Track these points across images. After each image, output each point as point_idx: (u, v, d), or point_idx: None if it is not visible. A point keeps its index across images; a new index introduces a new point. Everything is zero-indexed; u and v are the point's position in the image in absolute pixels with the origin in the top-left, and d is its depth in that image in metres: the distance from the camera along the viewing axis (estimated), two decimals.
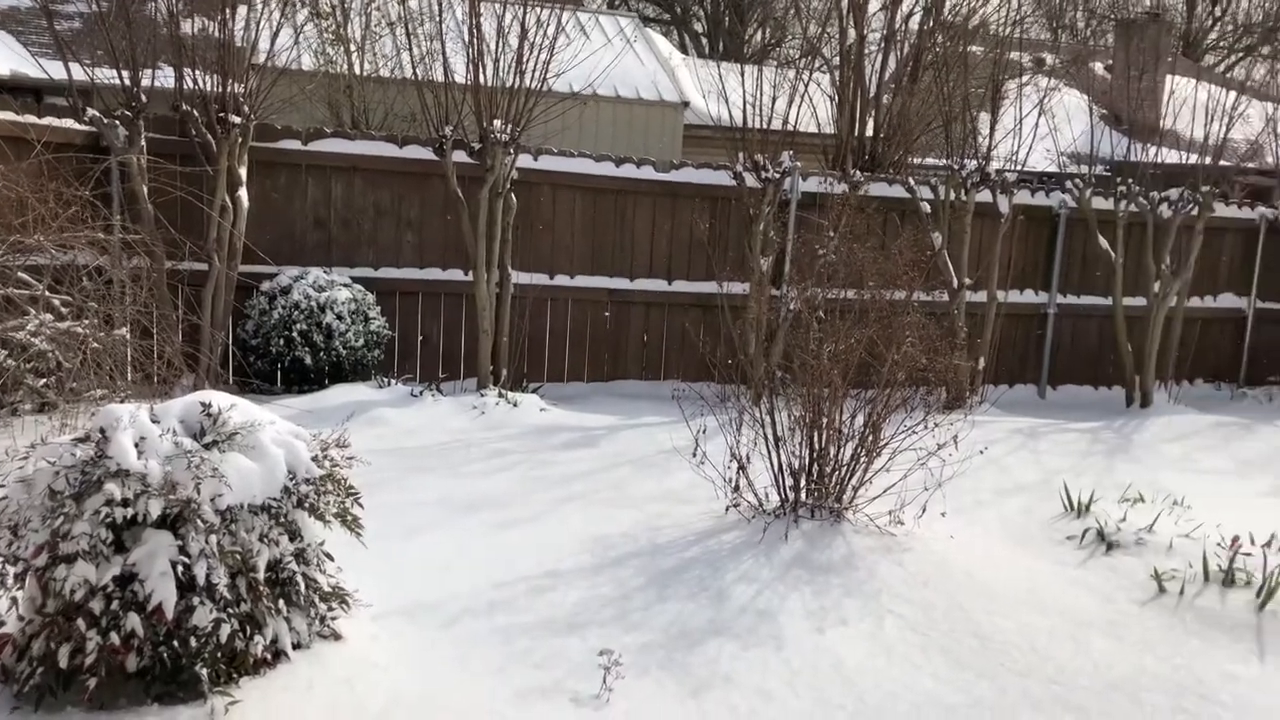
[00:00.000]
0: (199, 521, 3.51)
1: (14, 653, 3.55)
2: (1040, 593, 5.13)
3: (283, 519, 3.84)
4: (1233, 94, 10.87)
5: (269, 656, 3.78)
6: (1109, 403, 10.91)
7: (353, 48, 12.19)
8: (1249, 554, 5.38)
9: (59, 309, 6.50)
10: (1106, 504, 6.30)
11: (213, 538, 3.54)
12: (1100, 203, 10.72)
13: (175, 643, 3.51)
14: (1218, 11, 33.06)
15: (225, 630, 3.57)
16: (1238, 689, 4.32)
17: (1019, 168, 10.39)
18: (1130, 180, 10.56)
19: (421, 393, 8.24)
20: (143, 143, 7.69)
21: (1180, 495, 6.63)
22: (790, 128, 9.94)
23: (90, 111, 7.59)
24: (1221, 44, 33.14)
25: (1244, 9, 32.08)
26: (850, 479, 5.77)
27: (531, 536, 5.46)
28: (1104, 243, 10.54)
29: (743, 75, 9.76)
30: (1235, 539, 5.43)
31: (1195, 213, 10.57)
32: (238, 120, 7.98)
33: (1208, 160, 10.63)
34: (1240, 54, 30.89)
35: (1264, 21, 28.71)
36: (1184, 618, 4.96)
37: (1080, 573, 5.45)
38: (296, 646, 3.89)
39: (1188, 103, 11.01)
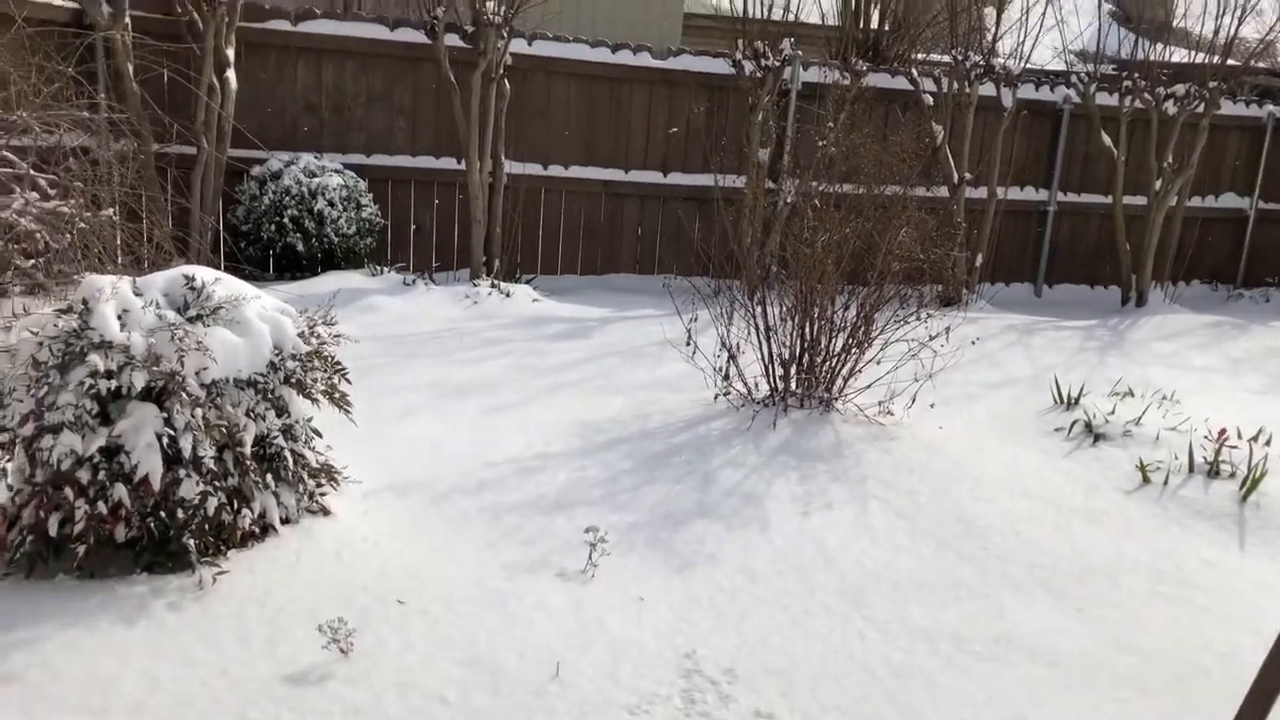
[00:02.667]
0: (184, 394, 3.51)
1: (4, 522, 3.58)
2: (1025, 481, 5.18)
3: (269, 395, 3.84)
4: None
5: (257, 530, 3.82)
6: (1105, 301, 10.88)
7: None
8: (1235, 447, 5.41)
9: (45, 189, 6.40)
10: (1096, 398, 6.32)
11: (198, 411, 3.54)
12: (1104, 99, 10.53)
13: (163, 514, 3.54)
14: None
15: (212, 503, 3.59)
16: (1215, 575, 4.38)
17: (1024, 62, 10.18)
18: (1136, 75, 10.35)
19: (414, 281, 8.19)
20: (127, 20, 7.48)
21: (1170, 391, 6.65)
22: (793, 17, 9.71)
23: None
24: None
25: None
26: (840, 369, 5.78)
27: (522, 421, 5.48)
28: (1107, 140, 10.38)
29: None
30: (1222, 432, 5.46)
31: (1201, 110, 10.38)
32: None
33: (1215, 58, 10.40)
34: None
35: None
36: (1166, 507, 5.01)
37: (1066, 463, 5.49)
38: (285, 521, 3.93)
39: None
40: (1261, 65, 13.09)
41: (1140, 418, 5.86)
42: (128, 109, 7.44)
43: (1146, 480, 5.23)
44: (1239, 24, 10.21)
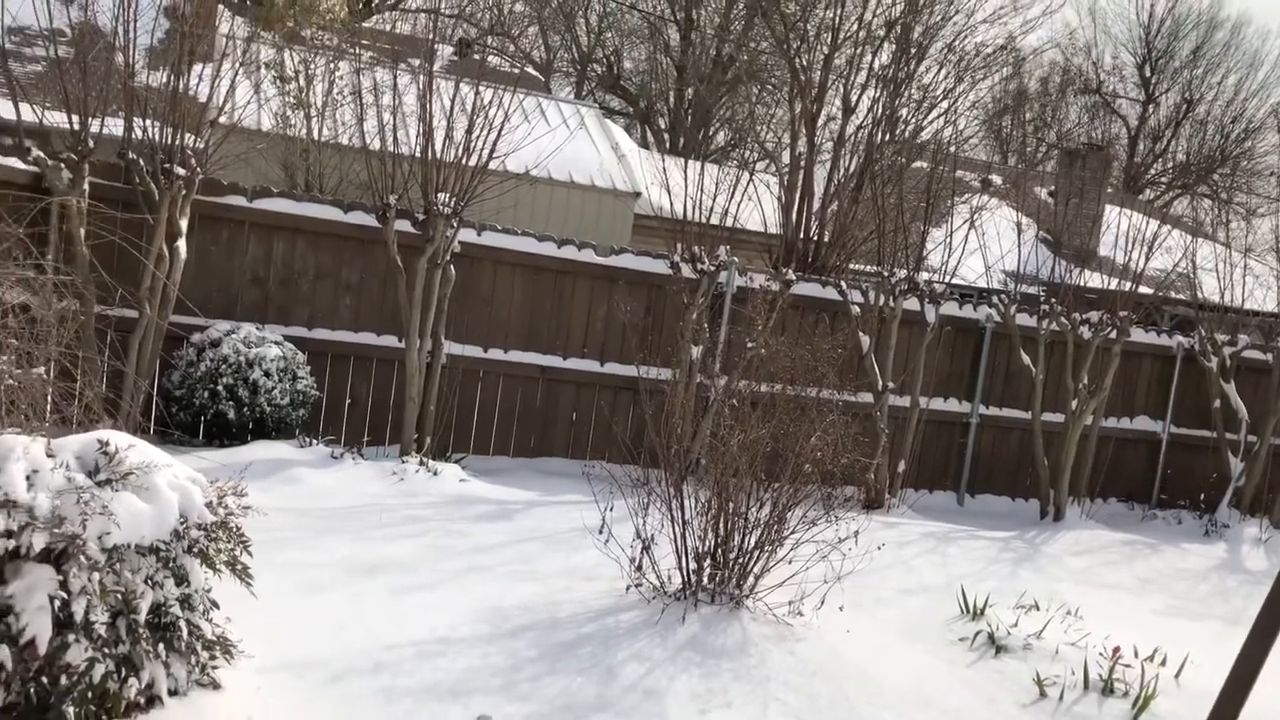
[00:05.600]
0: (83, 559, 3.52)
1: None
2: (926, 690, 5.23)
3: (171, 563, 3.85)
4: (1155, 223, 11.36)
5: (142, 701, 3.77)
6: (1024, 514, 11.14)
7: (313, 113, 12.37)
8: (1129, 666, 5.53)
9: None
10: (1002, 609, 6.45)
11: (95, 576, 3.55)
12: (1025, 319, 11.08)
13: (45, 679, 3.48)
14: (1158, 149, 34.64)
15: (99, 671, 3.56)
16: None
17: (950, 277, 10.74)
18: (1054, 300, 10.94)
19: (342, 455, 8.24)
20: (85, 187, 7.74)
21: (1075, 606, 6.80)
22: (733, 224, 10.23)
23: (35, 152, 7.64)
24: (1161, 179, 34.66)
25: (1182, 148, 33.71)
26: (753, 566, 5.87)
27: (430, 603, 5.48)
28: (1026, 358, 10.88)
29: (685, 169, 10.05)
30: (1116, 649, 5.59)
31: (1114, 336, 10.95)
32: (183, 172, 8.07)
33: (1127, 286, 11.05)
34: (1178, 190, 32.30)
35: (1197, 163, 30.12)
36: None
37: (968, 673, 5.57)
38: (173, 693, 3.88)
39: (1111, 229, 11.50)
40: (1180, 297, 13.86)
41: (1042, 631, 5.99)
42: (75, 271, 7.58)
43: (1043, 694, 5.31)
44: (1147, 258, 10.91)
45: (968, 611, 6.43)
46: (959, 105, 13.40)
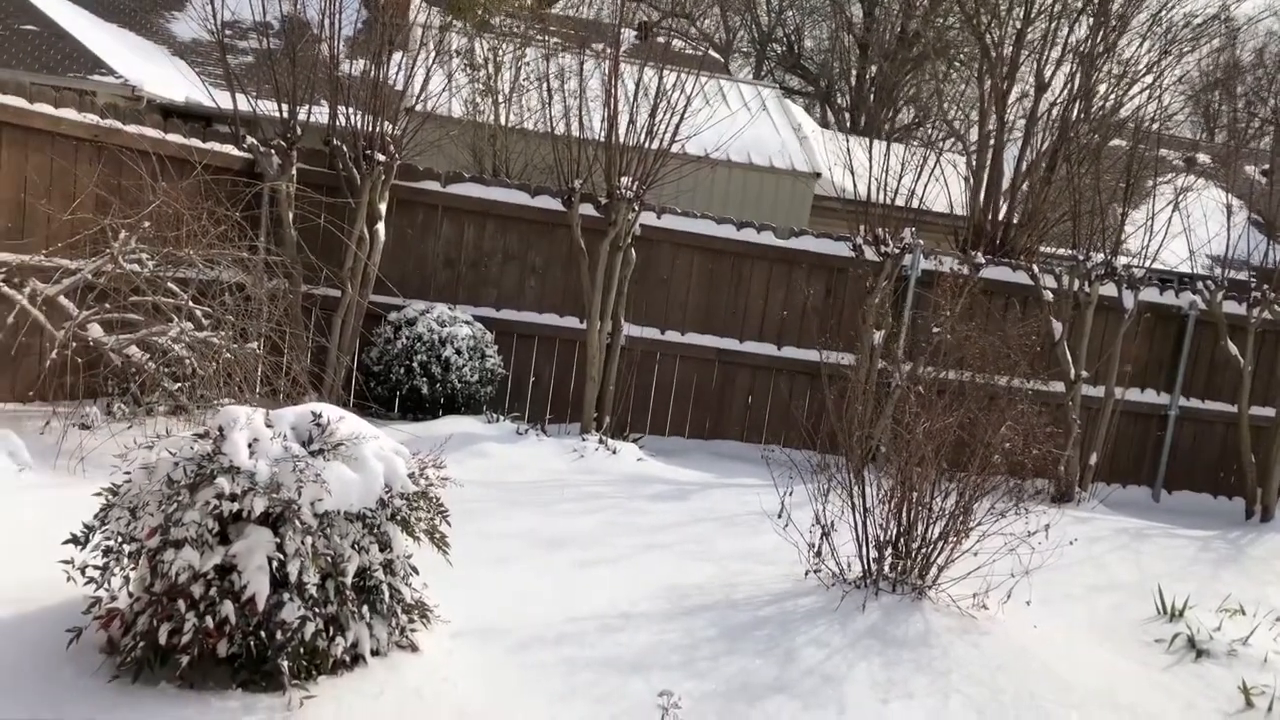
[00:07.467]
0: (297, 522, 3.76)
1: (121, 627, 3.85)
2: (1118, 692, 5.02)
3: (375, 529, 4.07)
4: None
5: (348, 659, 4.00)
6: (1227, 513, 10.52)
7: (500, 99, 12.73)
8: None
9: (200, 319, 6.97)
10: (1202, 612, 6.12)
11: (308, 539, 3.79)
12: (1232, 307, 10.43)
13: (263, 634, 3.75)
14: None
15: (310, 628, 3.80)
16: None
17: (1151, 261, 10.20)
18: (1266, 286, 10.25)
19: (527, 431, 8.50)
20: (293, 172, 8.22)
21: None
22: (918, 205, 9.99)
23: (249, 140, 8.15)
24: None
25: None
26: (936, 557, 5.75)
27: (610, 578, 5.60)
28: (1233, 348, 10.24)
29: (870, 150, 9.87)
30: None
31: None
32: (382, 158, 8.45)
33: None
34: None
35: None
36: None
37: (1164, 677, 5.31)
38: (375, 653, 4.11)
39: None
40: None
41: (1249, 637, 5.66)
42: (284, 252, 8.08)
43: (1250, 704, 5.02)
44: None
45: (1164, 612, 6.13)
46: (1163, 80, 12.65)
